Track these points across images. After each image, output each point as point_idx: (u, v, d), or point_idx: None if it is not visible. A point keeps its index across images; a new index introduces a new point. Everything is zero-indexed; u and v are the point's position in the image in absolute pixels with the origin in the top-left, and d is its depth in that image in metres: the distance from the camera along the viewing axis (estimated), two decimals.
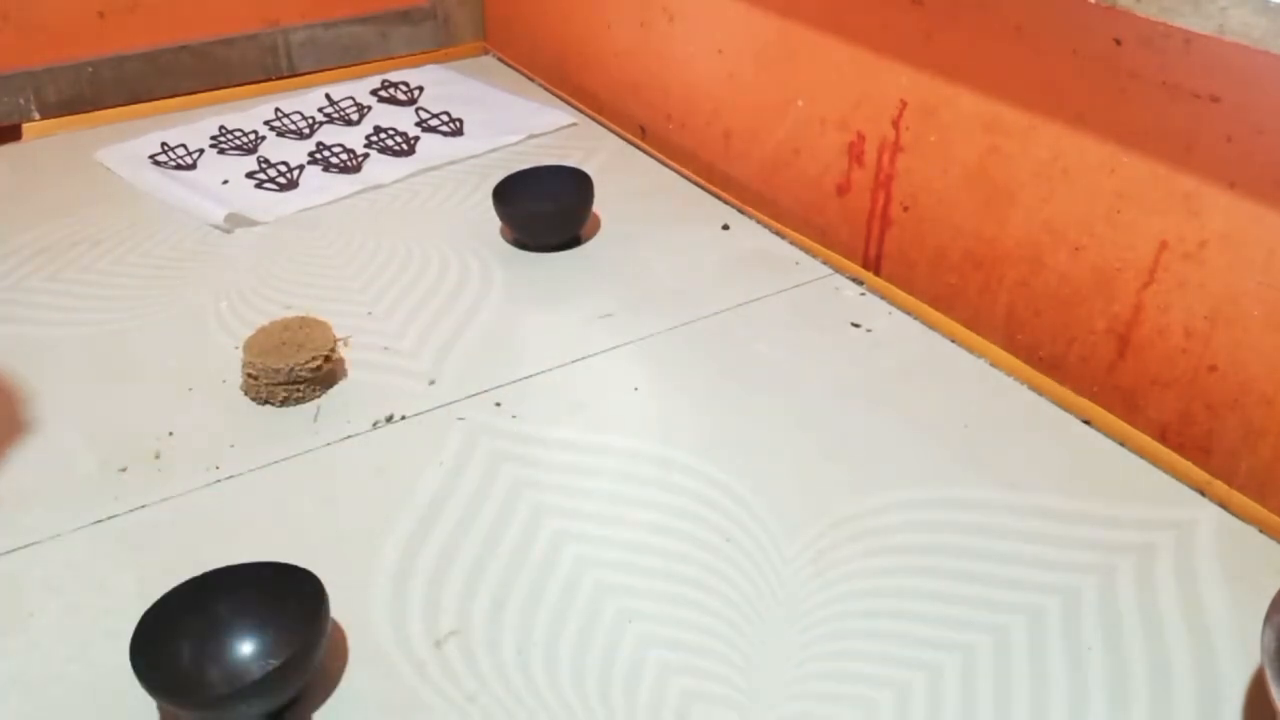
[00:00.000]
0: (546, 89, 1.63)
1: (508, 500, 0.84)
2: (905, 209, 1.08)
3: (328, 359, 0.95)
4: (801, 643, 0.72)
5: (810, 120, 1.16)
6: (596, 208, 1.23)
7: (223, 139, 1.43)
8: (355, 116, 1.50)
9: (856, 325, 1.06)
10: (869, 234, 1.13)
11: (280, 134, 1.46)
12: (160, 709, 0.67)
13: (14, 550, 0.80)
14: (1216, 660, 0.70)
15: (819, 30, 1.11)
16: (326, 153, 1.39)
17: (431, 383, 0.97)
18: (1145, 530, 0.81)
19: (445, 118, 1.49)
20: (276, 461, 0.88)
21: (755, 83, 1.22)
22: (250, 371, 0.93)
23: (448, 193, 1.32)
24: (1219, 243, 0.81)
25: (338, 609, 0.71)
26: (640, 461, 0.88)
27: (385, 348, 1.03)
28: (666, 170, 1.38)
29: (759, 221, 1.25)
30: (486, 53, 1.78)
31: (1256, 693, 0.68)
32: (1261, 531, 0.81)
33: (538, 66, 1.66)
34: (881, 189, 1.10)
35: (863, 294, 1.11)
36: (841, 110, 1.12)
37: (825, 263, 1.17)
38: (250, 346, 0.94)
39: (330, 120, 1.50)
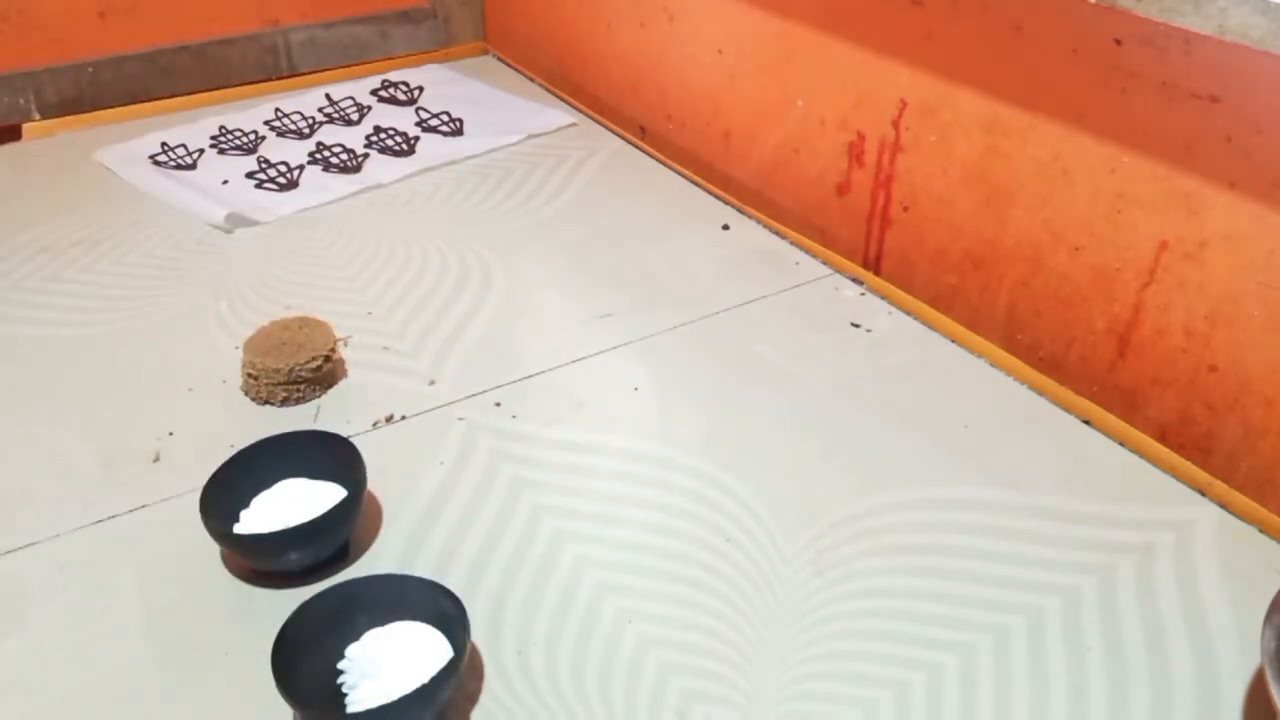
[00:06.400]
0: (546, 89, 1.63)
1: (508, 500, 0.84)
2: (905, 209, 1.08)
3: (328, 359, 0.95)
4: (801, 643, 0.72)
5: (810, 120, 1.16)
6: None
7: (223, 139, 1.43)
8: (355, 116, 1.50)
9: (856, 325, 1.06)
10: (869, 234, 1.13)
11: (280, 134, 1.46)
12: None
13: (14, 550, 0.80)
14: (1216, 660, 0.70)
15: (819, 30, 1.11)
16: (326, 153, 1.39)
17: (431, 383, 0.98)
18: (1145, 530, 0.81)
19: (445, 118, 1.49)
20: None
21: (755, 83, 1.22)
22: (250, 371, 0.93)
23: (448, 193, 1.32)
24: (1219, 243, 0.81)
25: None
26: (640, 461, 0.88)
27: (385, 348, 1.03)
28: (666, 170, 1.38)
29: (759, 221, 1.25)
30: (486, 53, 1.78)
31: (1256, 693, 0.68)
32: (1261, 531, 0.81)
33: (538, 66, 1.66)
34: (881, 189, 1.10)
35: (863, 294, 1.11)
36: (841, 110, 1.12)
37: (825, 263, 1.17)
38: (250, 346, 0.94)
39: (330, 120, 1.50)
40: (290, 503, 0.78)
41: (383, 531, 0.81)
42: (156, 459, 0.88)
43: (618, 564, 0.78)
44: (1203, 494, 0.85)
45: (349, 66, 1.67)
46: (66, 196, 1.30)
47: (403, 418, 0.93)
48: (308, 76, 1.64)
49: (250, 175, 1.34)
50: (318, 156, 1.39)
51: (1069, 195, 0.91)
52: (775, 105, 1.20)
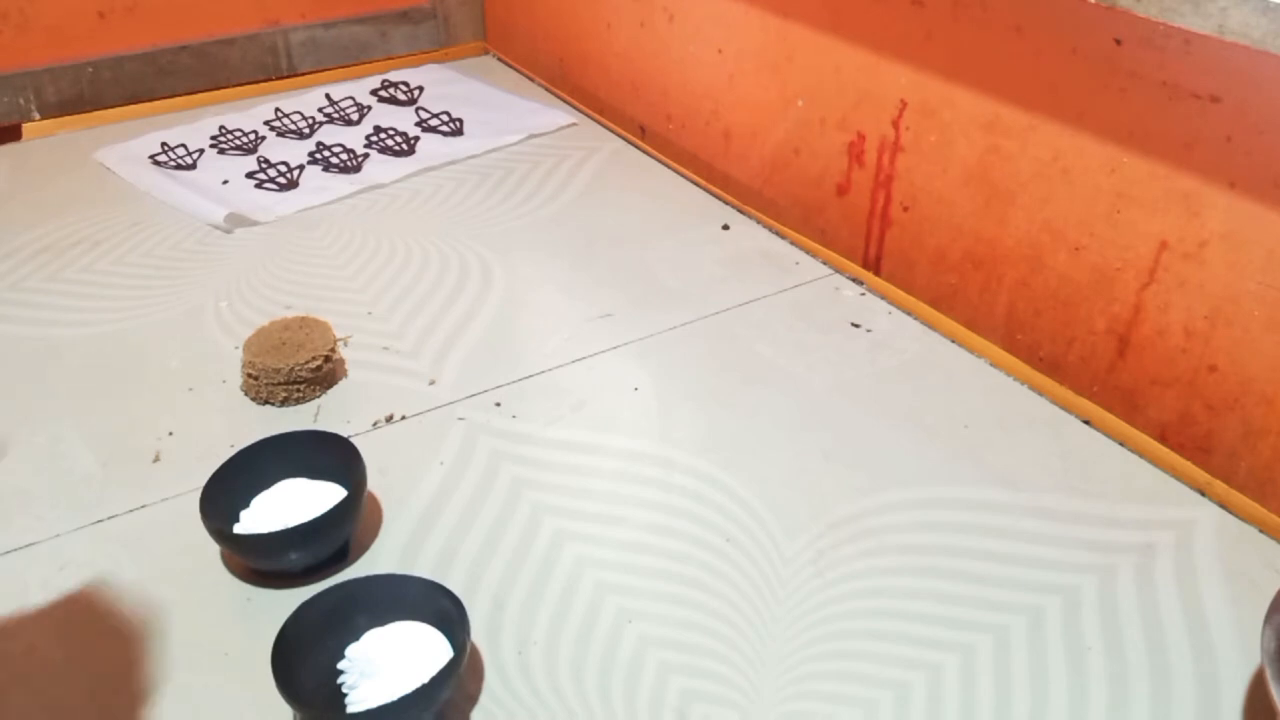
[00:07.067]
0: (546, 89, 1.63)
1: (508, 500, 0.84)
2: (905, 209, 1.08)
3: (328, 359, 0.95)
4: (802, 643, 0.72)
5: (810, 120, 1.16)
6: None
7: (223, 139, 1.43)
8: (355, 116, 1.50)
9: (856, 325, 1.06)
10: (869, 234, 1.13)
11: (280, 134, 1.46)
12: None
13: (14, 550, 0.80)
14: (1216, 660, 0.70)
15: (819, 30, 1.11)
16: (326, 153, 1.39)
17: (431, 383, 0.97)
18: (1145, 530, 0.81)
19: (445, 118, 1.49)
20: None
21: (755, 83, 1.22)
22: (250, 371, 0.93)
23: (448, 193, 1.32)
24: (1219, 243, 0.81)
25: None
26: (640, 461, 0.88)
27: (385, 348, 1.03)
28: (666, 170, 1.38)
29: (759, 221, 1.25)
30: (486, 53, 1.78)
31: (1256, 693, 0.68)
32: (1261, 531, 0.81)
33: (538, 66, 1.66)
34: (881, 189, 1.10)
35: (863, 294, 1.11)
36: (841, 110, 1.11)
37: (825, 263, 1.17)
38: (250, 346, 0.94)
39: (330, 120, 1.50)
40: (290, 503, 0.78)
41: (383, 531, 0.81)
42: (156, 459, 0.88)
43: (618, 564, 0.78)
44: (1203, 494, 0.85)
45: (349, 66, 1.67)
46: (66, 196, 1.30)
47: (403, 418, 0.93)
48: (308, 76, 1.64)
49: (250, 175, 1.34)
50: (318, 156, 1.39)
51: (1069, 195, 0.91)
52: (775, 105, 1.20)
